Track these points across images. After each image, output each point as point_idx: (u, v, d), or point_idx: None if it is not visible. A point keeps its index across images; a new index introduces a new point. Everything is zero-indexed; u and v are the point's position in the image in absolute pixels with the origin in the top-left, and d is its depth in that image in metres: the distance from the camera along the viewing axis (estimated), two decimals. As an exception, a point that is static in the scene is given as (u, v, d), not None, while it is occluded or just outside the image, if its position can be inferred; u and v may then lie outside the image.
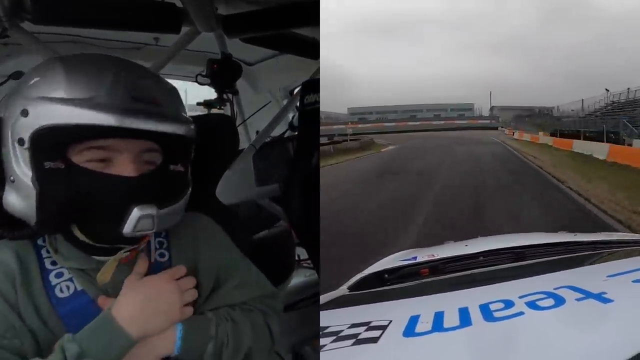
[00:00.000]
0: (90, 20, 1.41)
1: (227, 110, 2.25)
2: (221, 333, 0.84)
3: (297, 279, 2.18)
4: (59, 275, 0.78)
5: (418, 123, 32.24)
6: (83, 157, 0.71)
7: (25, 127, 0.67)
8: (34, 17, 1.27)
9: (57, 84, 0.69)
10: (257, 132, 2.34)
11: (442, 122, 32.62)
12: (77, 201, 0.70)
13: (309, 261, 2.17)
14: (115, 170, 0.72)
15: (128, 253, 0.81)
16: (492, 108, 36.62)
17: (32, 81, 0.71)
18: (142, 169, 0.75)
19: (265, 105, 2.48)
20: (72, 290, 0.77)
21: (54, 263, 0.78)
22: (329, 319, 0.71)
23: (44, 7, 1.26)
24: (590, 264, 0.87)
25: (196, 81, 1.95)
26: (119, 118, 0.67)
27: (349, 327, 0.62)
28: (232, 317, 0.87)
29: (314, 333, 0.57)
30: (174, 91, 0.83)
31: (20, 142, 0.68)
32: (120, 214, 0.71)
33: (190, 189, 0.85)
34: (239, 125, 2.36)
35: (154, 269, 0.84)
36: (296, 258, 2.20)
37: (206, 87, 2.02)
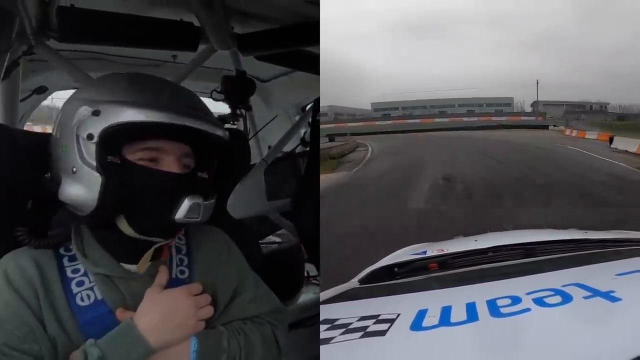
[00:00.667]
0: (112, 38, 1.47)
1: (240, 126, 2.28)
2: (233, 346, 0.87)
3: (306, 295, 2.15)
4: (80, 283, 0.81)
5: (447, 120, 25.63)
6: (136, 156, 0.80)
7: (95, 124, 0.76)
8: (59, 35, 1.33)
9: (125, 90, 0.80)
10: (269, 147, 2.37)
11: (476, 119, 25.65)
12: (131, 192, 0.78)
13: (318, 278, 2.14)
14: (163, 168, 0.81)
15: (164, 244, 0.86)
16: (535, 103, 28.26)
17: (101, 88, 0.82)
18: (182, 170, 0.84)
19: (273, 119, 2.51)
20: (92, 299, 0.80)
21: (75, 271, 0.81)
22: (339, 311, 0.73)
23: (68, 25, 1.33)
24: (599, 262, 0.86)
25: (211, 97, 1.99)
26: (174, 116, 0.77)
27: (358, 320, 0.63)
28: (243, 330, 0.90)
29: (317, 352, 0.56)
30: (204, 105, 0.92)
31: (90, 137, 0.76)
32: (173, 202, 0.80)
33: (214, 197, 0.90)
34: (249, 139, 2.39)
35: (173, 284, 0.87)
36: (305, 274, 2.18)
37: (220, 102, 2.06)
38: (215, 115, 2.14)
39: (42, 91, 1.98)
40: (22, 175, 0.86)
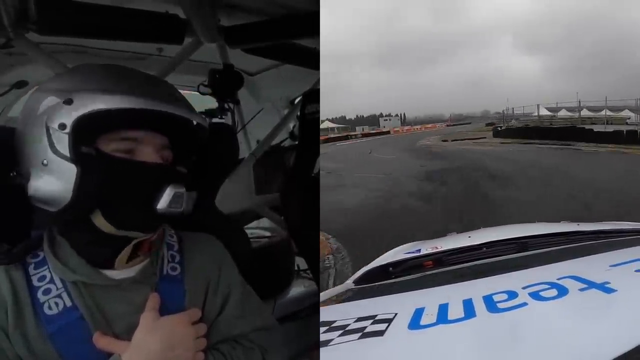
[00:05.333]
0: (95, 31, 1.43)
1: (228, 120, 2.26)
2: None
3: (297, 289, 2.16)
4: (47, 291, 0.76)
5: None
6: (111, 146, 0.76)
7: (69, 113, 0.73)
8: (39, 27, 1.29)
9: (97, 78, 0.78)
10: (258, 141, 2.36)
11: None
12: (108, 185, 0.75)
13: (308, 271, 2.15)
14: (140, 159, 0.78)
15: (144, 238, 0.82)
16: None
17: (71, 78, 0.79)
18: (161, 161, 0.81)
19: (259, 112, 2.49)
20: (61, 306, 0.75)
21: (41, 279, 0.77)
22: (335, 313, 0.73)
23: (48, 17, 1.28)
24: (593, 253, 0.86)
25: (198, 91, 1.97)
26: (150, 102, 0.75)
27: (355, 321, 0.63)
28: (232, 358, 0.87)
29: (313, 343, 0.56)
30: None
31: (62, 126, 0.73)
32: (155, 193, 0.77)
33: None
34: (237, 132, 2.37)
35: (166, 281, 0.85)
36: (295, 268, 2.19)
37: (208, 96, 2.03)
38: (203, 109, 2.12)
39: (22, 85, 1.92)
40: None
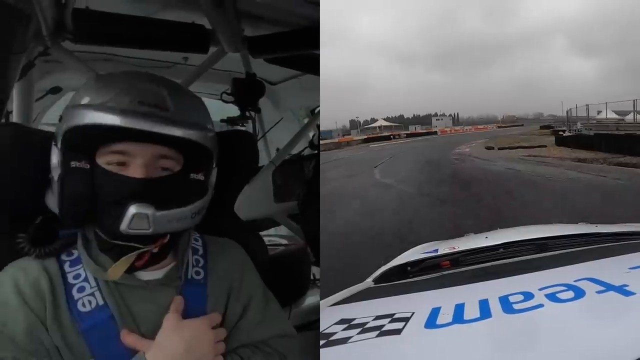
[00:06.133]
0: (125, 40, 1.49)
1: (249, 128, 2.30)
2: None
3: (313, 298, 2.14)
4: (81, 289, 0.79)
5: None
6: (104, 159, 0.78)
7: (59, 130, 0.77)
8: (75, 36, 1.36)
9: (84, 93, 0.78)
10: (278, 149, 2.38)
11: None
12: (90, 197, 0.76)
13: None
14: (127, 173, 0.77)
15: (139, 252, 0.81)
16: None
17: (73, 95, 0.81)
18: (152, 173, 0.78)
19: (279, 121, 2.52)
20: (94, 304, 0.79)
21: (76, 277, 0.80)
22: (355, 311, 0.73)
23: (83, 27, 1.35)
24: (611, 255, 0.85)
25: (221, 99, 2.01)
26: (122, 119, 0.73)
27: (373, 319, 0.64)
28: None
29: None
30: (194, 100, 0.86)
31: (56, 143, 0.78)
32: (120, 211, 0.75)
33: (207, 197, 0.87)
34: (257, 140, 2.40)
35: (190, 284, 0.87)
36: (312, 277, 2.18)
37: (230, 104, 2.08)
38: (225, 117, 2.16)
39: (57, 91, 2.03)
40: (34, 175, 0.86)
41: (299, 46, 1.62)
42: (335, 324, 0.65)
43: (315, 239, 1.88)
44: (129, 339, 0.78)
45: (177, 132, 0.76)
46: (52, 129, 0.85)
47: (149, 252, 0.82)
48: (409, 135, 29.78)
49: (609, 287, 0.59)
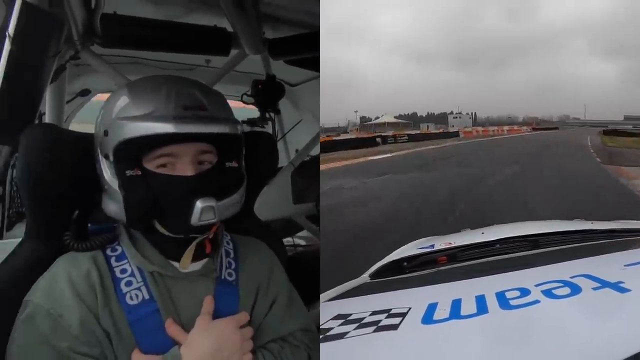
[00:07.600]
0: (151, 43, 1.54)
1: (268, 129, 2.32)
2: None
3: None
4: (128, 283, 0.84)
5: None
6: (154, 163, 0.82)
7: (108, 144, 0.82)
8: (103, 40, 1.41)
9: (126, 106, 0.83)
10: (297, 150, 2.39)
11: None
12: (154, 200, 0.81)
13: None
14: (178, 172, 0.82)
15: (202, 239, 0.87)
16: None
17: (109, 107, 0.85)
18: (199, 169, 0.84)
19: (299, 122, 2.53)
20: (140, 298, 0.83)
21: (123, 271, 0.85)
22: (352, 306, 0.74)
23: (111, 32, 1.40)
24: (607, 252, 0.85)
25: (241, 100, 2.04)
26: (173, 125, 0.79)
27: (370, 315, 0.64)
28: (282, 358, 0.92)
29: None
30: (219, 97, 0.92)
31: (107, 157, 0.83)
32: (186, 207, 0.81)
33: (245, 182, 0.92)
34: (277, 141, 2.42)
35: (222, 284, 0.91)
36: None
37: (251, 106, 2.10)
38: (245, 119, 2.19)
39: (86, 94, 2.11)
40: (66, 172, 0.91)
41: (319, 48, 1.62)
42: (332, 319, 0.65)
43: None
44: (173, 329, 0.82)
45: (215, 129, 0.83)
46: (79, 128, 0.88)
47: (207, 238, 0.89)
48: (411, 138, 17.80)
49: (604, 284, 0.60)
